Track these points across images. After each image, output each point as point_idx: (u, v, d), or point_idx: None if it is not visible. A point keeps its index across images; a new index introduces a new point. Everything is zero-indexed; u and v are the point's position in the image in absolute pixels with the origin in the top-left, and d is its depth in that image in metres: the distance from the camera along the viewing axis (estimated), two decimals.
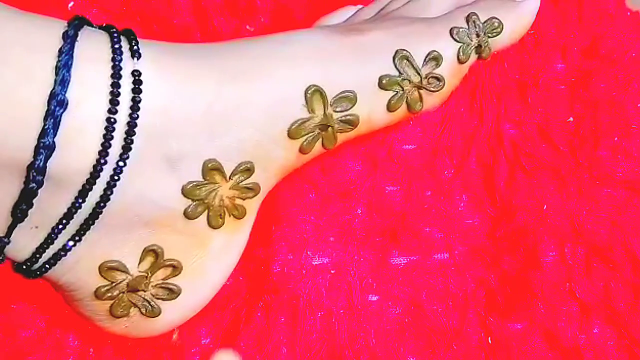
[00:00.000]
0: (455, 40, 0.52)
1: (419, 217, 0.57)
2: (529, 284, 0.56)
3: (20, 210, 0.41)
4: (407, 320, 0.55)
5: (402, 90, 0.50)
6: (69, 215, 0.43)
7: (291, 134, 0.47)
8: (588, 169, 0.58)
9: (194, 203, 0.46)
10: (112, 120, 0.41)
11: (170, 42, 0.47)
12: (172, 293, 0.48)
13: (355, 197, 0.56)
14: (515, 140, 0.58)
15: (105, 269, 0.46)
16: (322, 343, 0.54)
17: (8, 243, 0.43)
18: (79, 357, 0.54)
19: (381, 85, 0.49)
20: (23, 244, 0.44)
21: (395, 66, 0.50)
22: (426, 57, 0.51)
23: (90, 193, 0.42)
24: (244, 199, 0.48)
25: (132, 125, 0.42)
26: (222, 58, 0.46)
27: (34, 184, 0.40)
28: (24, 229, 0.43)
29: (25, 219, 0.42)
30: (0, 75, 0.38)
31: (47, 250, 0.44)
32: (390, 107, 0.50)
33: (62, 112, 0.39)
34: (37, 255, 0.44)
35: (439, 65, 0.51)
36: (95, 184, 0.42)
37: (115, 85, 0.41)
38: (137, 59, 0.43)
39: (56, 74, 0.39)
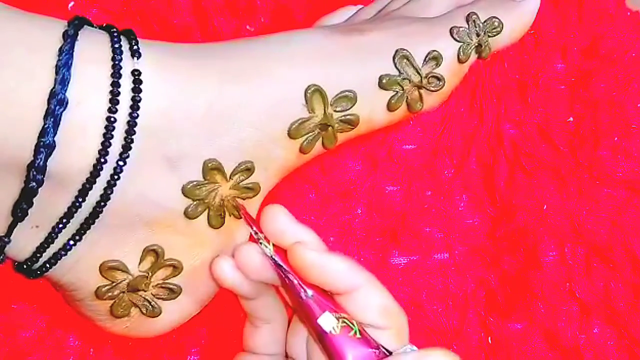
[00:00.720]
0: (456, 39, 0.52)
1: (419, 217, 0.57)
2: (529, 284, 0.56)
3: (20, 210, 0.41)
4: (407, 320, 0.55)
5: (402, 89, 0.50)
6: (69, 215, 0.43)
7: (291, 134, 0.47)
8: (588, 169, 0.58)
9: (194, 203, 0.46)
10: (112, 119, 0.41)
11: (170, 42, 0.47)
12: (173, 293, 0.48)
13: (355, 197, 0.56)
14: (515, 140, 0.58)
15: (106, 269, 0.46)
16: None
17: (8, 242, 0.43)
18: (79, 357, 0.54)
19: (381, 85, 0.49)
20: (23, 243, 0.44)
21: (396, 66, 0.50)
22: (426, 57, 0.51)
23: (90, 192, 0.42)
24: (244, 199, 0.48)
25: (132, 124, 0.42)
26: (222, 58, 0.46)
27: (34, 183, 0.40)
28: (25, 229, 0.43)
29: (26, 219, 0.42)
30: (1, 74, 0.38)
31: (47, 250, 0.44)
32: (390, 107, 0.50)
33: (62, 111, 0.39)
34: (38, 255, 0.44)
35: (439, 65, 0.51)
36: (95, 183, 0.42)
37: (115, 84, 0.41)
38: (137, 59, 0.43)
39: (56, 73, 0.39)
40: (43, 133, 0.39)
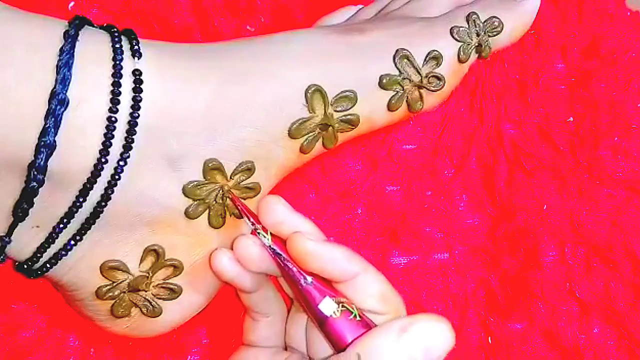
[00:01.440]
0: (456, 39, 0.52)
1: (419, 217, 0.57)
2: (529, 284, 0.56)
3: (21, 210, 0.41)
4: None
5: (403, 89, 0.50)
6: (70, 215, 0.43)
7: (292, 134, 0.47)
8: (588, 169, 0.58)
9: (195, 203, 0.46)
10: (113, 119, 0.41)
11: (171, 42, 0.47)
12: (173, 293, 0.48)
13: (355, 197, 0.56)
14: (516, 140, 0.58)
15: (107, 269, 0.46)
16: None
17: (9, 242, 0.43)
18: (79, 357, 0.54)
19: (381, 85, 0.49)
20: (24, 243, 0.44)
21: (396, 65, 0.50)
22: (426, 57, 0.51)
23: (91, 192, 0.42)
24: (244, 199, 0.48)
25: (132, 124, 0.42)
26: (222, 58, 0.46)
27: (34, 183, 0.40)
28: (25, 229, 0.43)
29: (26, 218, 0.42)
30: (1, 74, 0.38)
31: (48, 250, 0.44)
32: (390, 107, 0.50)
33: (63, 111, 0.39)
34: (38, 255, 0.45)
35: (440, 65, 0.51)
36: (96, 183, 0.42)
37: (116, 84, 0.41)
38: (138, 59, 0.43)
39: (57, 73, 0.39)
40: (44, 133, 0.39)
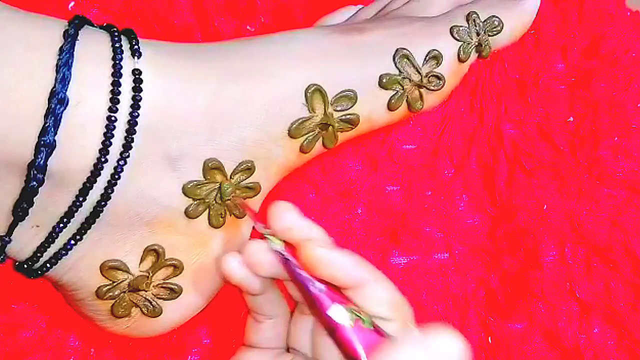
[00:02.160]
0: (456, 39, 0.52)
1: (419, 217, 0.57)
2: (529, 284, 0.56)
3: (21, 209, 0.41)
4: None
5: (403, 89, 0.50)
6: (70, 214, 0.43)
7: (292, 133, 0.47)
8: (588, 169, 0.58)
9: (195, 202, 0.46)
10: (113, 118, 0.41)
11: (171, 42, 0.47)
12: (174, 293, 0.48)
13: (356, 197, 0.56)
14: (516, 140, 0.58)
15: (107, 269, 0.46)
16: None
17: (9, 242, 0.43)
18: (80, 357, 0.54)
19: (381, 84, 0.49)
20: (24, 243, 0.44)
21: (396, 65, 0.50)
22: (426, 56, 0.51)
23: (91, 192, 0.42)
24: (244, 198, 0.48)
25: (132, 123, 0.42)
26: (222, 58, 0.46)
27: (34, 182, 0.40)
28: (25, 228, 0.43)
29: (26, 218, 0.42)
30: (2, 73, 0.38)
31: (48, 250, 0.44)
32: (390, 106, 0.50)
33: (63, 110, 0.39)
34: (38, 255, 0.45)
35: (440, 64, 0.51)
36: (96, 182, 0.42)
37: (116, 83, 0.41)
38: (138, 58, 0.43)
39: (57, 72, 0.39)
40: (44, 132, 0.39)
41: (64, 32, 0.40)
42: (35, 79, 0.39)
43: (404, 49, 0.50)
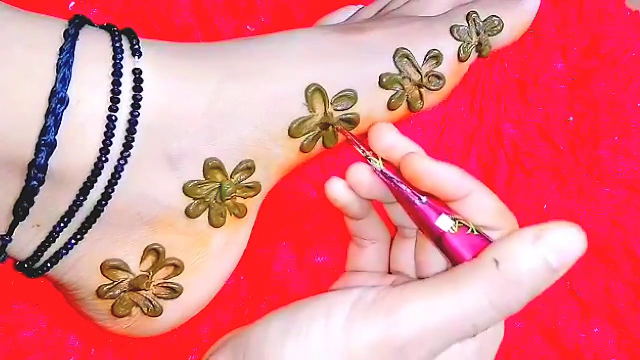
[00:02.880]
0: (456, 38, 0.52)
1: None
2: None
3: (22, 209, 0.41)
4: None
5: (403, 88, 0.50)
6: (70, 214, 0.43)
7: (292, 133, 0.47)
8: (588, 168, 0.58)
9: (195, 202, 0.46)
10: (113, 118, 0.41)
11: (171, 42, 0.47)
12: (174, 292, 0.48)
13: None
14: (516, 140, 0.58)
15: (107, 268, 0.46)
16: None
17: (10, 242, 0.43)
18: (80, 357, 0.54)
19: (382, 84, 0.49)
20: (25, 242, 0.44)
21: (396, 65, 0.50)
22: (427, 56, 0.51)
23: (91, 191, 0.42)
24: (245, 198, 0.48)
25: (133, 123, 0.42)
26: (223, 57, 0.46)
27: (35, 182, 0.40)
28: (26, 228, 0.43)
29: (27, 218, 0.42)
30: (2, 73, 0.38)
31: (48, 249, 0.44)
32: (390, 106, 0.50)
33: (64, 110, 0.39)
34: (39, 254, 0.45)
35: (440, 64, 0.51)
36: (96, 181, 0.42)
37: (116, 83, 0.41)
38: (138, 58, 0.43)
39: (57, 72, 0.39)
40: (44, 132, 0.39)
41: (65, 32, 0.40)
42: (36, 78, 0.39)
43: (404, 48, 0.50)
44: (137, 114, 0.42)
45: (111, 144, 0.41)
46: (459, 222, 0.42)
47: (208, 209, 0.47)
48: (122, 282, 0.47)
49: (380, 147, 0.45)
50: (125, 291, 0.47)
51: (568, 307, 0.57)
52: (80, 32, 0.41)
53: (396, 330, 0.38)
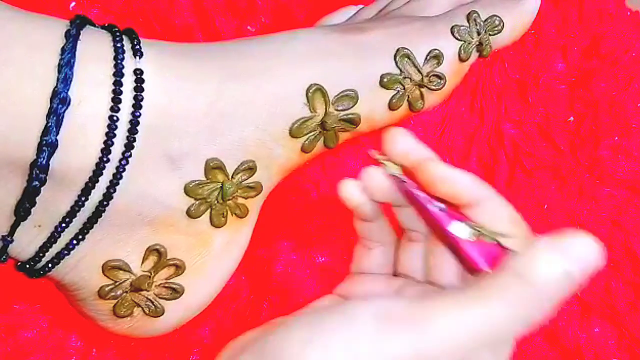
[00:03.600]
0: (457, 38, 0.52)
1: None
2: None
3: (23, 209, 0.41)
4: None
5: (404, 88, 0.50)
6: (72, 214, 0.43)
7: (293, 133, 0.47)
8: (588, 168, 0.58)
9: (197, 202, 0.46)
10: (115, 118, 0.41)
11: (172, 42, 0.47)
12: (176, 292, 0.48)
13: None
14: (516, 140, 0.58)
15: (109, 268, 0.46)
16: None
17: (11, 242, 0.43)
18: (81, 357, 0.54)
19: (382, 84, 0.49)
20: (26, 243, 0.44)
21: (397, 64, 0.50)
22: (427, 56, 0.51)
23: (92, 191, 0.42)
24: (246, 198, 0.48)
25: (134, 123, 0.42)
26: (223, 57, 0.46)
27: (36, 182, 0.40)
28: (27, 228, 0.43)
29: (28, 218, 0.42)
30: (3, 73, 0.38)
31: (50, 249, 0.44)
32: (391, 106, 0.50)
33: (65, 110, 0.39)
34: (40, 254, 0.44)
35: (440, 64, 0.51)
36: (97, 182, 0.42)
37: (118, 83, 0.41)
38: (139, 58, 0.43)
39: (58, 72, 0.39)
40: (46, 132, 0.39)
41: (66, 32, 0.40)
42: (37, 78, 0.39)
43: (405, 48, 0.50)
44: (139, 114, 0.42)
45: (112, 144, 0.41)
46: (474, 229, 0.42)
47: (209, 209, 0.47)
48: (123, 282, 0.47)
49: (394, 151, 0.45)
50: (126, 291, 0.47)
51: (568, 306, 0.57)
52: (81, 32, 0.41)
53: (426, 343, 0.38)
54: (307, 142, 0.48)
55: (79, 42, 0.40)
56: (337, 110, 0.48)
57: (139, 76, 0.42)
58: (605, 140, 0.58)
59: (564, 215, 0.57)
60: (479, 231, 0.41)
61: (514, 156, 0.58)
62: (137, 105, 0.42)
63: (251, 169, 0.46)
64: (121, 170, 0.42)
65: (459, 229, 0.41)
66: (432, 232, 0.46)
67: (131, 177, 0.43)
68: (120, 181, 0.43)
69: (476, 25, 0.52)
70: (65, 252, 0.45)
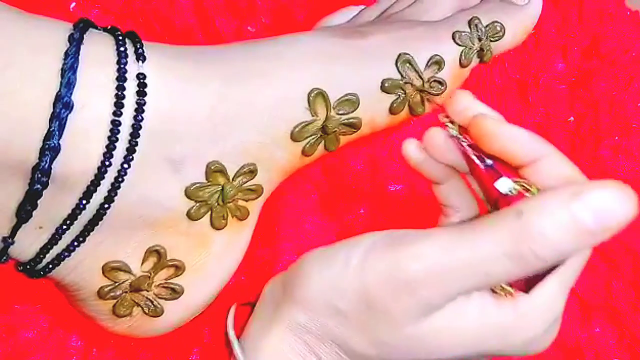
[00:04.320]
0: (458, 44, 0.52)
1: (421, 216, 0.57)
2: None
3: (24, 211, 0.41)
4: None
5: (404, 93, 0.50)
6: (73, 216, 0.43)
7: (294, 137, 0.47)
8: (589, 168, 0.58)
9: (197, 204, 0.46)
10: (117, 122, 0.41)
11: (172, 43, 0.47)
12: (175, 293, 0.48)
13: (358, 197, 0.56)
14: None
15: (109, 269, 0.46)
16: None
17: (12, 243, 0.43)
18: (82, 357, 0.54)
19: (383, 89, 0.49)
20: (27, 244, 0.44)
21: (398, 69, 0.49)
22: (428, 61, 0.50)
23: (94, 194, 0.42)
24: (246, 200, 0.48)
25: (136, 127, 0.42)
26: (225, 61, 0.46)
27: (38, 186, 0.40)
28: (28, 230, 0.43)
29: (30, 220, 0.42)
30: (6, 76, 0.38)
31: (51, 251, 0.44)
32: (392, 110, 0.50)
33: (68, 114, 0.39)
34: (41, 256, 0.44)
35: (441, 69, 0.51)
36: (99, 185, 0.42)
37: (120, 87, 0.41)
38: (142, 62, 0.43)
39: (62, 76, 0.39)
40: (48, 136, 0.39)
41: (69, 36, 0.40)
42: (40, 82, 0.39)
43: (406, 53, 0.50)
44: (141, 118, 0.42)
45: (114, 148, 0.41)
46: (522, 186, 0.40)
47: (210, 211, 0.47)
48: (123, 282, 0.47)
49: (455, 110, 0.44)
50: (126, 291, 0.47)
51: (569, 306, 0.57)
52: (84, 36, 0.41)
53: (406, 263, 0.38)
54: (308, 145, 0.48)
55: (82, 46, 0.40)
56: (338, 114, 0.48)
57: (141, 80, 0.42)
58: (606, 140, 0.58)
59: None
60: (527, 187, 0.40)
61: None
62: (140, 109, 0.42)
63: (252, 171, 0.46)
64: (123, 173, 0.42)
65: (503, 185, 0.41)
66: (482, 192, 0.45)
67: (133, 180, 0.43)
68: (122, 184, 0.42)
69: (477, 31, 0.52)
70: (66, 253, 0.45)
